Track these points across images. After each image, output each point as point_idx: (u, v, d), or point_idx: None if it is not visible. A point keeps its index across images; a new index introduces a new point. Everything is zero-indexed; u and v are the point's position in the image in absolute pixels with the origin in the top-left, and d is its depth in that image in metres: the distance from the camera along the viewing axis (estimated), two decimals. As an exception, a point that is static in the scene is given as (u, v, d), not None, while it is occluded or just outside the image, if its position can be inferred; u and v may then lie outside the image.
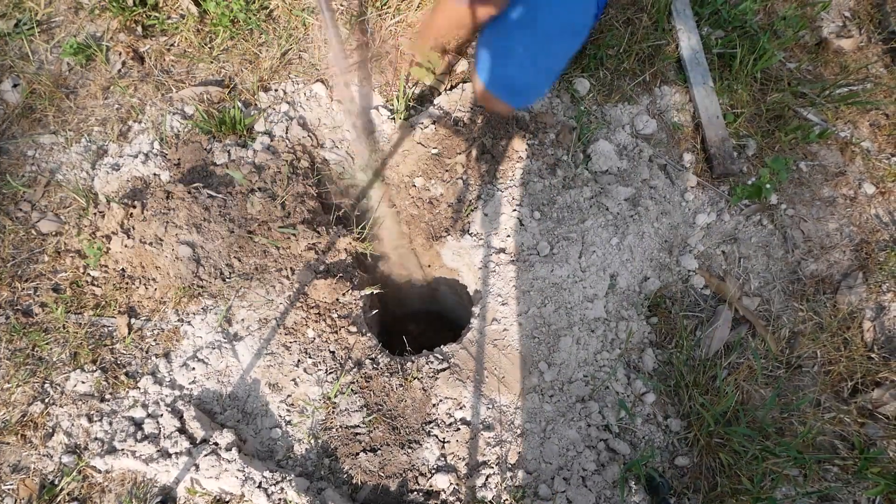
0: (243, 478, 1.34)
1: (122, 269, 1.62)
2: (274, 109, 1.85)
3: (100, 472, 1.40)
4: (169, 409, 1.44)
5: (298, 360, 1.52)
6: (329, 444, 1.45)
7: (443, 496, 1.39)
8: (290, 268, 1.63)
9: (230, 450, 1.37)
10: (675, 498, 1.40)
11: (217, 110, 1.83)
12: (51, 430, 1.45)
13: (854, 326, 1.61)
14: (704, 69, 1.90)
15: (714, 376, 1.51)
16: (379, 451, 1.44)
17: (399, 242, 1.87)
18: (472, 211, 1.74)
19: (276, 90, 1.89)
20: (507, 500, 1.37)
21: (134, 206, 1.65)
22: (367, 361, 1.55)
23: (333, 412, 1.47)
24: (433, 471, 1.41)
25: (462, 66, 1.89)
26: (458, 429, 1.46)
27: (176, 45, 1.94)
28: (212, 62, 1.91)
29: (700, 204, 1.77)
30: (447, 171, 1.80)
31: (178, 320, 1.56)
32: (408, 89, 1.87)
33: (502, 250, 1.67)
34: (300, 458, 1.43)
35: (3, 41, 1.91)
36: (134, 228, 1.63)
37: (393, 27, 1.92)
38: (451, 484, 1.39)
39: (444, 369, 1.53)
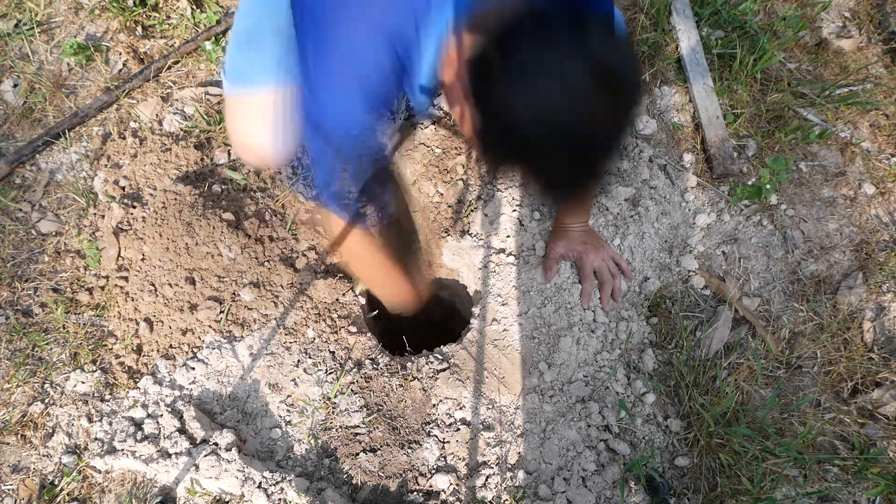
0: (243, 478, 1.34)
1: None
2: (274, 110, 1.85)
3: (100, 472, 1.40)
4: (169, 409, 1.44)
5: (298, 361, 1.52)
6: (329, 444, 1.45)
7: (443, 496, 1.39)
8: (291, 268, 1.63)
9: (230, 450, 1.37)
10: (675, 498, 1.40)
11: (217, 111, 1.83)
12: (51, 431, 1.45)
13: (854, 327, 1.61)
14: (704, 69, 1.90)
15: (714, 377, 1.51)
16: (379, 452, 1.44)
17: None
18: (472, 211, 1.74)
19: (276, 90, 1.89)
20: (506, 500, 1.37)
21: (134, 207, 1.65)
22: (367, 362, 1.55)
23: (333, 412, 1.47)
24: (433, 471, 1.41)
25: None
26: (458, 429, 1.46)
27: (176, 45, 1.94)
28: (212, 63, 1.91)
29: (700, 204, 1.77)
30: (447, 171, 1.80)
31: (178, 320, 1.56)
32: (408, 89, 1.87)
33: (502, 250, 1.67)
34: (300, 459, 1.43)
35: (3, 41, 1.91)
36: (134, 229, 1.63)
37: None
38: (451, 484, 1.39)
39: (444, 369, 1.53)
